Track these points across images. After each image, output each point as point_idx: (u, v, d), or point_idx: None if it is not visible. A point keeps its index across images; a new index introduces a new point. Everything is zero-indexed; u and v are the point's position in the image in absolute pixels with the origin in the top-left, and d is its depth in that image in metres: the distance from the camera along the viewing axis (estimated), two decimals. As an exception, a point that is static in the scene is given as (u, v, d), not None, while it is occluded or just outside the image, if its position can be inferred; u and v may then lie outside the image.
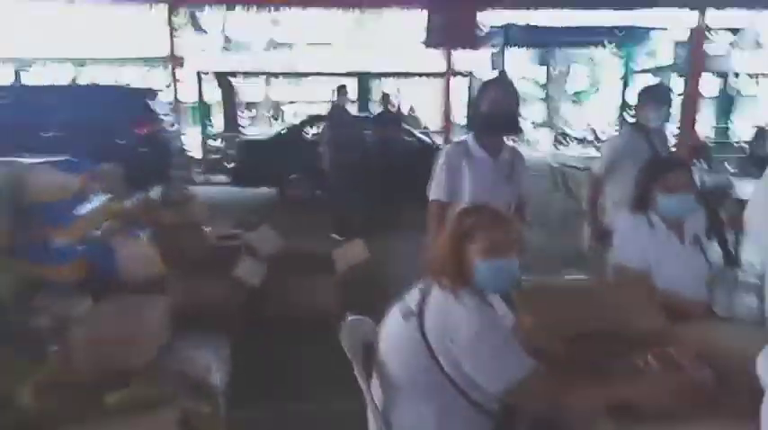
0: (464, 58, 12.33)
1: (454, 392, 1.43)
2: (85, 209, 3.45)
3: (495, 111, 2.36)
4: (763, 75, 15.66)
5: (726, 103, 15.31)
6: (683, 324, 1.91)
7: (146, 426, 2.14)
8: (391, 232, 6.76)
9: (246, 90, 20.06)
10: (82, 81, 14.28)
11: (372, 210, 6.93)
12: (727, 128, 15.13)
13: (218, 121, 16.25)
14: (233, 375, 2.71)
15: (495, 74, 14.00)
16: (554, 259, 4.71)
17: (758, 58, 15.41)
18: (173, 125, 9.44)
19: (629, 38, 14.90)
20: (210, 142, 13.77)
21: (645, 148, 3.13)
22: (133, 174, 5.00)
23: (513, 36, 13.45)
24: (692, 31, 12.06)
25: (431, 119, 16.28)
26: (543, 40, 15.79)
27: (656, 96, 3.20)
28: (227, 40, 15.84)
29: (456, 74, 11.78)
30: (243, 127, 15.87)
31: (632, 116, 3.25)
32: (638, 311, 1.98)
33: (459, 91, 14.18)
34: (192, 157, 11.72)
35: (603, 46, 16.10)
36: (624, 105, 14.94)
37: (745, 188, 4.61)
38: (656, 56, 18.29)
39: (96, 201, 3.65)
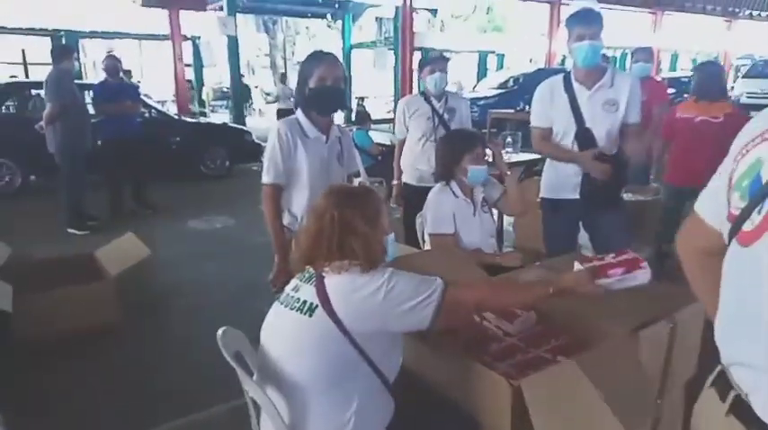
0: (186, 23, 11.43)
1: (369, 372, 1.44)
2: None
3: (326, 87, 2.27)
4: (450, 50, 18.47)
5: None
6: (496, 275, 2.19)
7: None
8: (146, 218, 6.04)
9: None
10: None
11: (117, 195, 6.04)
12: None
13: None
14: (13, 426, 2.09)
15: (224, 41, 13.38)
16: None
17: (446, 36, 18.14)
18: None
19: (344, 12, 15.84)
20: None
21: (426, 112, 3.42)
22: None
23: (239, 3, 12.96)
24: (398, 8, 13.50)
25: (153, 86, 14.74)
26: (268, 8, 15.65)
27: (430, 65, 3.44)
28: None
29: (185, 38, 10.89)
30: None
31: None
32: (460, 270, 2.21)
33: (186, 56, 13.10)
34: None
35: (325, 18, 16.80)
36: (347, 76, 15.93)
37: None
38: (363, 30, 20.02)
39: None
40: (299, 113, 2.37)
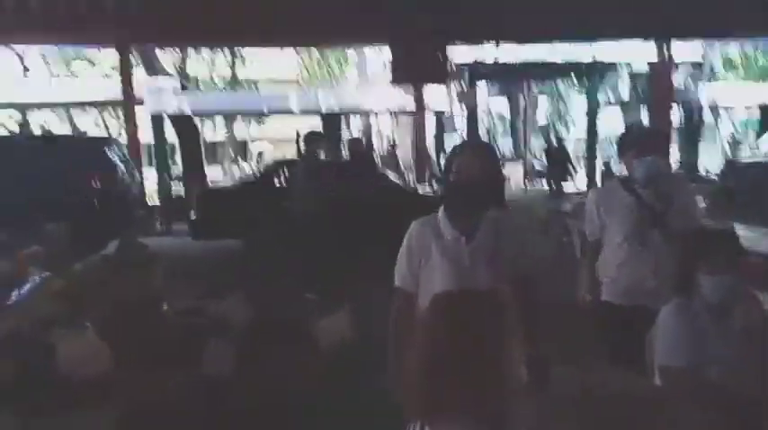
0: (430, 96, 12.18)
1: None
2: (17, 296, 2.90)
3: (467, 182, 1.94)
4: (725, 107, 16.05)
5: (692, 134, 15.32)
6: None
7: None
8: (372, 293, 6.27)
9: (208, 130, 19.67)
10: (32, 127, 13.66)
11: (347, 267, 6.44)
12: (695, 159, 15.00)
13: (180, 165, 15.60)
14: None
15: (464, 110, 13.89)
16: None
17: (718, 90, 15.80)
18: (129, 174, 8.83)
19: (592, 71, 15.06)
20: (172, 188, 13.11)
21: (629, 205, 2.64)
22: (85, 232, 4.52)
23: (480, 72, 13.39)
24: (653, 63, 12.33)
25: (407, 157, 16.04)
26: (510, 76, 15.84)
27: (638, 141, 2.77)
28: (185, 80, 15.36)
29: (428, 112, 11.64)
30: (205, 169, 15.19)
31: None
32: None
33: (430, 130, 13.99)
34: (152, 207, 11.06)
35: (569, 79, 16.26)
36: (591, 140, 15.01)
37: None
38: (617, 89, 18.73)
39: (32, 284, 3.09)
40: (440, 210, 2.06)
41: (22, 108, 14.93)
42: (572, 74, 15.77)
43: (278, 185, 8.16)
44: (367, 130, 17.44)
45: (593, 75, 14.97)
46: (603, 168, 14.01)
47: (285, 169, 8.22)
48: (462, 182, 1.95)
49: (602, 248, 2.79)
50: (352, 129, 21.64)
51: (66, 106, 16.19)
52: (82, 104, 15.69)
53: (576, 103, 19.22)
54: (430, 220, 2.08)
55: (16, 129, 14.03)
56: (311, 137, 6.14)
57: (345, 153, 10.09)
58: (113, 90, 11.22)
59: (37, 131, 13.08)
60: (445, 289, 1.83)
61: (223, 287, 4.43)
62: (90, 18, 9.39)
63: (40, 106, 15.04)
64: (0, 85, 14.11)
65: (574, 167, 14.86)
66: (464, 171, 1.95)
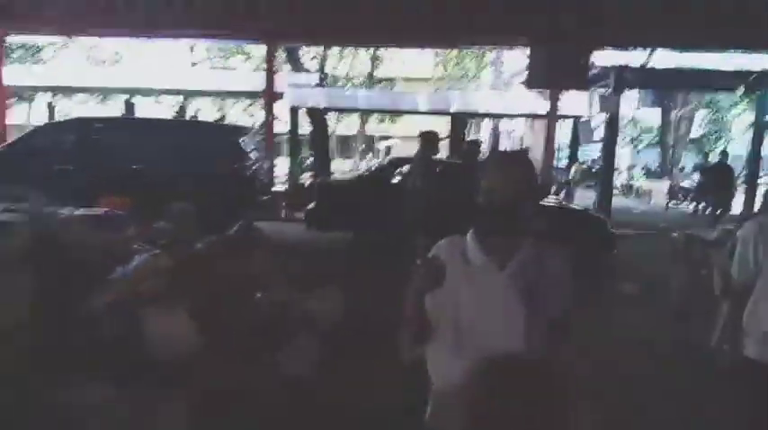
0: (568, 102, 11.45)
1: None
2: (122, 270, 3.09)
3: (492, 200, 1.63)
4: None
5: None
6: None
7: None
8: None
9: (342, 125, 20.41)
10: (188, 113, 15.09)
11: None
12: None
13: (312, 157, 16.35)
14: None
15: (603, 118, 12.91)
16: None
17: None
18: (261, 162, 9.33)
19: (761, 84, 13.07)
20: (299, 177, 13.75)
21: None
22: (209, 214, 4.79)
23: (626, 78, 12.20)
24: None
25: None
26: (662, 82, 14.32)
27: None
28: (324, 76, 16.01)
29: (562, 117, 10.92)
30: (331, 161, 15.69)
31: None
32: None
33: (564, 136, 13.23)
34: (278, 193, 11.63)
35: (732, 90, 14.31)
36: (755, 162, 13.07)
37: None
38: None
39: (139, 260, 3.28)
40: (470, 232, 1.74)
41: (185, 95, 16.62)
42: (737, 85, 13.83)
43: (393, 182, 8.12)
44: (496, 133, 16.90)
45: (762, 87, 13.01)
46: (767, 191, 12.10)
47: (401, 166, 8.17)
48: (493, 202, 1.65)
49: (755, 293, 2.27)
50: (483, 130, 21.19)
51: (220, 95, 17.72)
52: (233, 95, 17.02)
53: (740, 118, 16.97)
54: (456, 241, 1.78)
55: (172, 114, 15.57)
56: (426, 136, 6.00)
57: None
58: (260, 83, 11.95)
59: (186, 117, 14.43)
60: (469, 329, 1.62)
61: (322, 282, 4.42)
62: (244, 17, 10.09)
63: (199, 94, 16.64)
64: (168, 73, 15.79)
65: (733, 190, 12.95)
66: (496, 189, 1.64)
